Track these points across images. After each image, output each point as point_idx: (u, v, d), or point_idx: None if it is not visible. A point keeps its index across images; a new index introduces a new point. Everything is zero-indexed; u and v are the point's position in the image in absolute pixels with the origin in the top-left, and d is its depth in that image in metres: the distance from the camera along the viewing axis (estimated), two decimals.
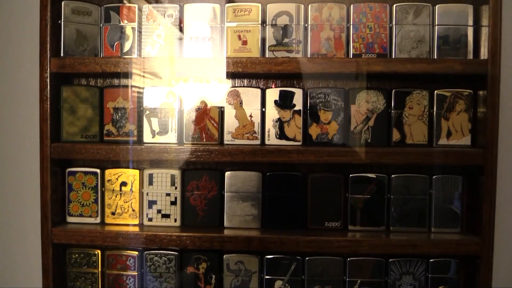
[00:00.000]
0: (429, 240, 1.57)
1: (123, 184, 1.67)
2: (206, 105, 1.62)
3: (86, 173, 1.68)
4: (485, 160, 1.52)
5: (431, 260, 1.62)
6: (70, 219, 1.69)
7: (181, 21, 1.61)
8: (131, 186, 1.67)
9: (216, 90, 1.63)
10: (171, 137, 1.64)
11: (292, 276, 1.63)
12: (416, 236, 1.58)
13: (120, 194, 1.68)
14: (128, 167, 1.68)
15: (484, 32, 1.53)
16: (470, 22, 1.56)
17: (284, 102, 1.61)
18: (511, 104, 1.65)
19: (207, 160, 1.57)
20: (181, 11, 1.62)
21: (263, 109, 1.62)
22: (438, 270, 1.62)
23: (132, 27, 1.63)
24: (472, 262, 1.60)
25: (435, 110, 1.59)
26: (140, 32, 1.63)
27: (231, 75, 1.64)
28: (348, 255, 1.62)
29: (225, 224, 1.65)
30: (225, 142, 1.62)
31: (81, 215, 1.69)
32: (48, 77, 1.59)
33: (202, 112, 1.63)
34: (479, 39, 1.55)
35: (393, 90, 1.60)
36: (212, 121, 1.63)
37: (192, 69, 1.58)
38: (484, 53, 1.53)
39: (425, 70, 1.52)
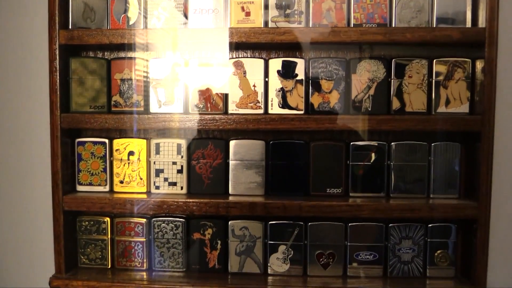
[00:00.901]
0: (428, 204, 1.61)
1: (131, 153, 1.73)
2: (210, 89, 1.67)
3: (94, 143, 1.73)
4: (482, 126, 1.56)
5: (430, 225, 1.67)
6: (80, 188, 1.75)
7: None
8: (139, 156, 1.72)
9: (220, 73, 1.67)
10: (177, 107, 1.68)
11: (295, 241, 1.69)
12: (415, 201, 1.63)
13: (128, 163, 1.73)
14: (135, 137, 1.73)
15: (482, 0, 1.56)
16: None
17: (287, 72, 1.65)
18: (508, 72, 1.69)
19: (213, 128, 1.62)
20: None
21: (266, 79, 1.66)
22: (436, 235, 1.68)
23: (137, 0, 1.67)
24: (469, 227, 1.65)
25: (434, 78, 1.63)
26: (145, 4, 1.67)
27: (234, 46, 1.67)
28: (349, 220, 1.67)
29: (230, 191, 1.71)
30: (230, 112, 1.67)
31: (90, 184, 1.74)
32: (57, 49, 1.63)
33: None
34: (477, 8, 1.59)
35: (393, 60, 1.64)
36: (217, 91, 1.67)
37: (197, 40, 1.62)
38: (482, 22, 1.56)
39: (424, 39, 1.56)
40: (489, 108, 1.56)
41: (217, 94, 1.67)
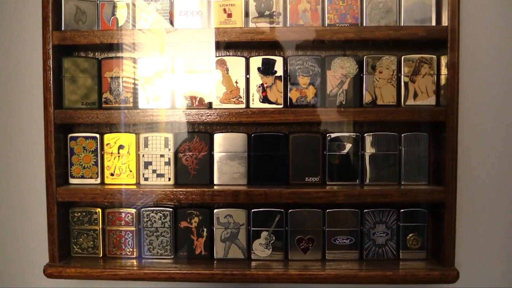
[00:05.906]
0: (399, 190, 1.73)
1: (121, 147, 1.83)
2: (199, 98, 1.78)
3: (86, 137, 1.83)
4: (447, 117, 1.69)
5: (402, 210, 1.79)
6: (72, 181, 1.84)
7: None
8: (128, 149, 1.82)
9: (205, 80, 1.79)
10: (164, 103, 1.79)
11: (276, 227, 1.80)
12: (387, 187, 1.75)
13: (118, 156, 1.83)
14: (125, 132, 1.84)
15: (445, 1, 1.69)
16: None
17: (266, 69, 1.77)
18: (470, 66, 1.83)
19: (198, 122, 1.74)
20: None
21: (247, 76, 1.78)
22: (408, 219, 1.80)
23: (126, 3, 1.78)
24: (438, 211, 1.77)
25: (402, 73, 1.76)
26: (133, 7, 1.78)
27: (217, 45, 1.79)
28: (327, 207, 1.79)
29: (215, 181, 1.81)
30: (214, 107, 1.78)
31: (82, 177, 1.84)
32: (51, 49, 1.73)
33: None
34: (441, 8, 1.72)
35: (365, 56, 1.77)
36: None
37: (182, 40, 1.73)
38: (444, 21, 1.70)
39: (392, 37, 1.69)
40: (453, 100, 1.69)
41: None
